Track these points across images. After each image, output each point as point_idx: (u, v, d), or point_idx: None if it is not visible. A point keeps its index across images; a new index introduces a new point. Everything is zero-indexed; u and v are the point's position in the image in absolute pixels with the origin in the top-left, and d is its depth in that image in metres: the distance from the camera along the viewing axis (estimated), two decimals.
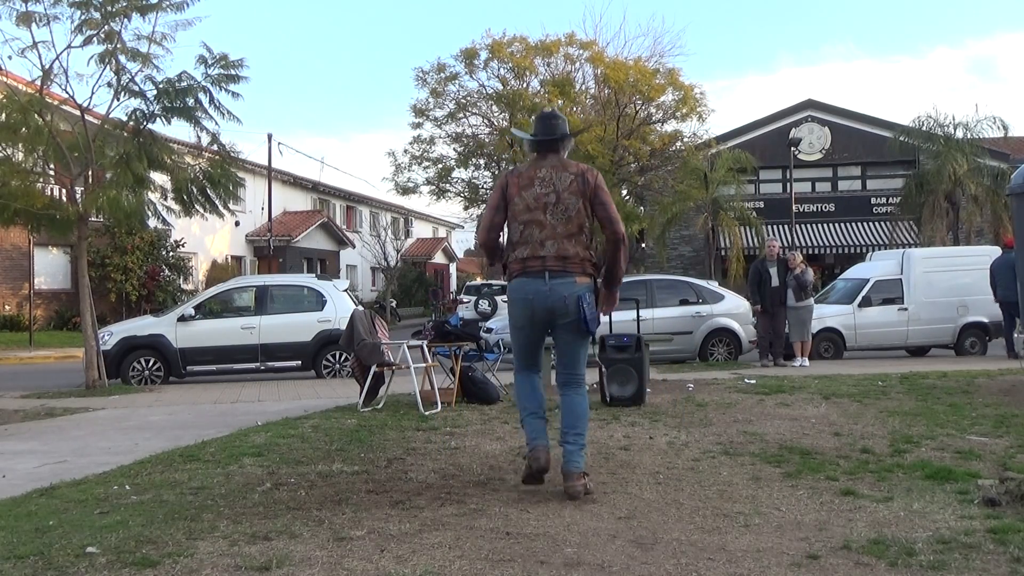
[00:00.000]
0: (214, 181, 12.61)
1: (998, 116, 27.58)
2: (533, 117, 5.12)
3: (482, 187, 28.68)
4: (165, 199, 12.82)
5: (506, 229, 4.83)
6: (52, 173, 12.53)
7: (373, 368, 8.65)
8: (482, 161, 28.97)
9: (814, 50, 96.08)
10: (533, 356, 4.88)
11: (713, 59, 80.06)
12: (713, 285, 14.95)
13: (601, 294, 4.72)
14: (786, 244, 21.67)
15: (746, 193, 28.39)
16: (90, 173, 12.38)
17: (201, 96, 11.83)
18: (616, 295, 4.81)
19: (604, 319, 5.14)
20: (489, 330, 13.19)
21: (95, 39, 11.36)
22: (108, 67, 11.53)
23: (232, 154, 13.21)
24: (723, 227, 26.42)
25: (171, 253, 26.50)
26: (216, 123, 12.08)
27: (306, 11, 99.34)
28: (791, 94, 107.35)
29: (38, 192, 12.06)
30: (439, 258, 50.60)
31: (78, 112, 11.85)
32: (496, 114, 28.22)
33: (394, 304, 37.17)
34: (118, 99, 11.81)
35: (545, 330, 4.78)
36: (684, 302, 13.98)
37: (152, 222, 13.96)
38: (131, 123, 11.94)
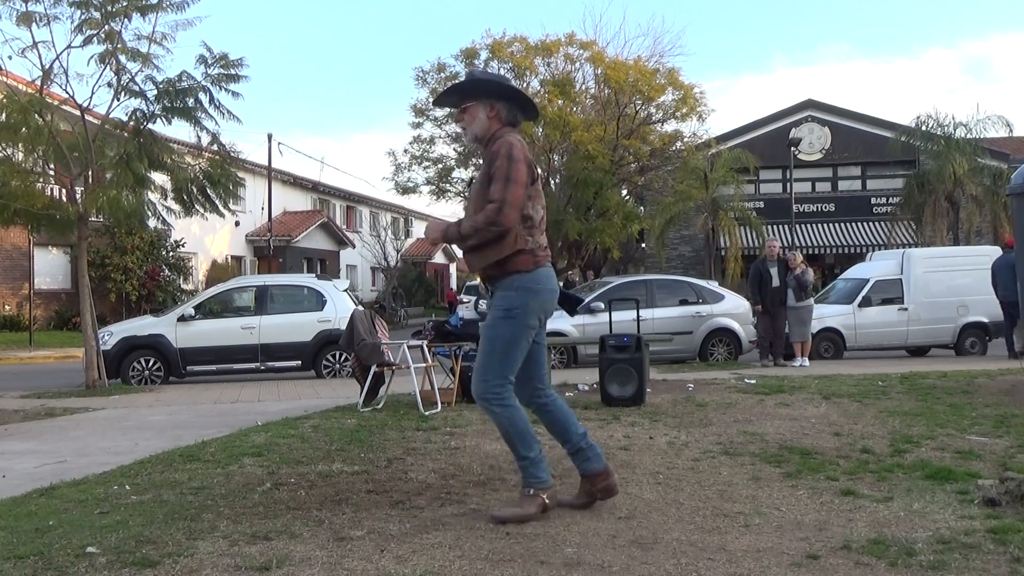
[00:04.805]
0: (214, 181, 12.62)
1: (1002, 115, 27.44)
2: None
3: None
4: (165, 199, 12.82)
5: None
6: (52, 173, 12.54)
7: (373, 368, 8.65)
8: (482, 161, 28.93)
9: (809, 51, 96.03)
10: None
11: (709, 60, 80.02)
12: (713, 285, 14.96)
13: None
14: (786, 244, 21.66)
15: (746, 193, 28.39)
16: (90, 173, 12.39)
17: (201, 96, 11.84)
18: (441, 232, 4.16)
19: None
20: None
21: (95, 39, 11.36)
22: (108, 67, 11.54)
23: (232, 154, 13.23)
24: (723, 227, 26.43)
25: (171, 253, 26.49)
26: (216, 123, 12.12)
27: (306, 11, 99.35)
28: (787, 95, 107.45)
29: (38, 192, 12.06)
30: (439, 258, 50.61)
31: (78, 112, 11.85)
32: None
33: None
34: (118, 99, 11.83)
35: None
36: (684, 302, 13.98)
37: (152, 222, 13.96)
38: (131, 123, 11.94)
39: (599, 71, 26.97)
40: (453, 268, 55.07)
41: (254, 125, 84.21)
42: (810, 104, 31.66)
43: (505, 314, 4.01)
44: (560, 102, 25.81)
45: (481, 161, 4.22)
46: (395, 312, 33.24)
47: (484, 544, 3.64)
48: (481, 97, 4.12)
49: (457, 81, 4.16)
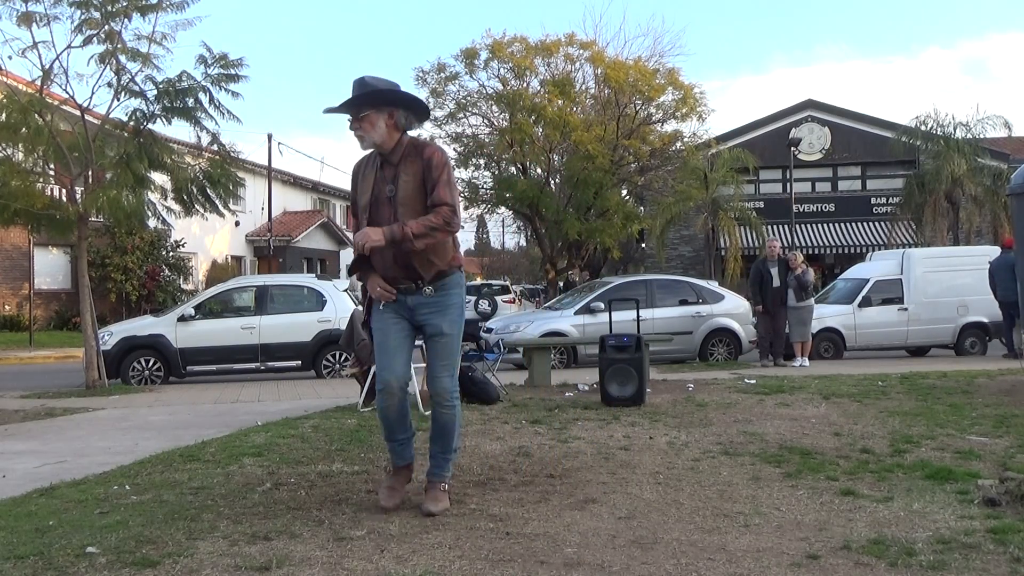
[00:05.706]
0: (214, 181, 12.61)
1: (1001, 115, 27.41)
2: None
3: (482, 187, 28.64)
4: (165, 199, 12.82)
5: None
6: (52, 173, 12.53)
7: (373, 368, 8.64)
8: (482, 161, 28.90)
9: (807, 51, 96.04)
10: None
11: (707, 60, 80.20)
12: (713, 285, 14.96)
13: None
14: (786, 244, 21.65)
15: (746, 193, 28.38)
16: (90, 173, 12.37)
17: (201, 96, 11.81)
18: (383, 234, 4.03)
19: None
20: (489, 330, 13.20)
21: (95, 39, 11.34)
22: (108, 67, 11.52)
23: (232, 154, 13.22)
24: (723, 227, 26.43)
25: (171, 253, 26.48)
26: (216, 123, 12.09)
27: (306, 11, 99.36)
28: (786, 95, 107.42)
29: (38, 192, 12.05)
30: None
31: (78, 112, 11.84)
32: (496, 114, 28.16)
33: None
34: (118, 99, 11.81)
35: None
36: (684, 302, 13.99)
37: (152, 222, 13.95)
38: (131, 123, 11.93)
39: (599, 71, 26.95)
40: None
41: (254, 125, 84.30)
42: (810, 104, 31.65)
43: (460, 311, 4.29)
44: (560, 102, 25.79)
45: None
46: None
47: (484, 544, 3.64)
48: (380, 106, 4.14)
49: (357, 94, 4.13)
